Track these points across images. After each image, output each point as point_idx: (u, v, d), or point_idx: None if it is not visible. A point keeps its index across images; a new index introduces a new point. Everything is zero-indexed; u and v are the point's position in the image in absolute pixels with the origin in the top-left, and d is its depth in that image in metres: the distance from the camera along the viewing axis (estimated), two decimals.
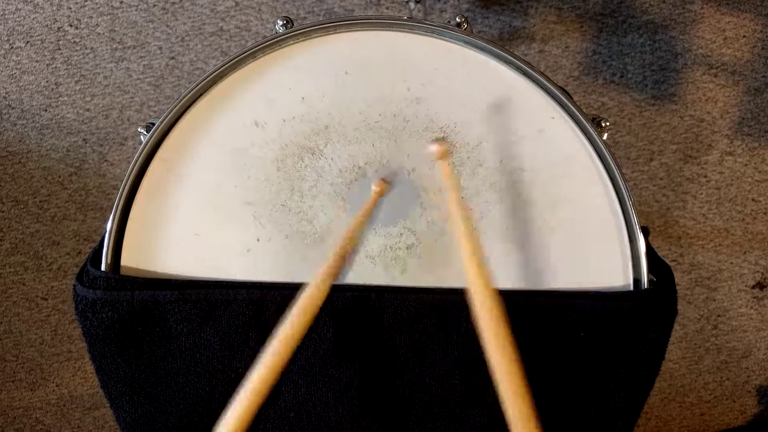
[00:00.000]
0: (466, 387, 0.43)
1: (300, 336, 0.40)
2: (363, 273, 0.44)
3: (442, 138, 0.44)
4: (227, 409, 0.38)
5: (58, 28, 0.91)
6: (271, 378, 0.39)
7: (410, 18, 0.45)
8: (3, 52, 0.92)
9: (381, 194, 0.44)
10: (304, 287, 0.41)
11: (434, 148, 0.42)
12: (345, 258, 0.43)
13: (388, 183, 0.44)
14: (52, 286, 1.01)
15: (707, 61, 0.93)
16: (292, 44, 0.45)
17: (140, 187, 0.44)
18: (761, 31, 0.92)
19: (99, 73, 0.93)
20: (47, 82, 0.93)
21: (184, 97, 0.44)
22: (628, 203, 0.44)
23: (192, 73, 0.93)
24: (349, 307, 0.42)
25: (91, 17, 0.91)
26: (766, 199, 0.98)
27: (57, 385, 1.06)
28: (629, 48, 0.92)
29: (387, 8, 0.91)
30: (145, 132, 0.44)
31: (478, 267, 0.39)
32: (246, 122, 0.45)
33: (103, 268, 0.43)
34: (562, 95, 0.45)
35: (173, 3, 0.91)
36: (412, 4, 0.75)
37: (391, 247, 0.45)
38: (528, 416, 0.36)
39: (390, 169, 0.45)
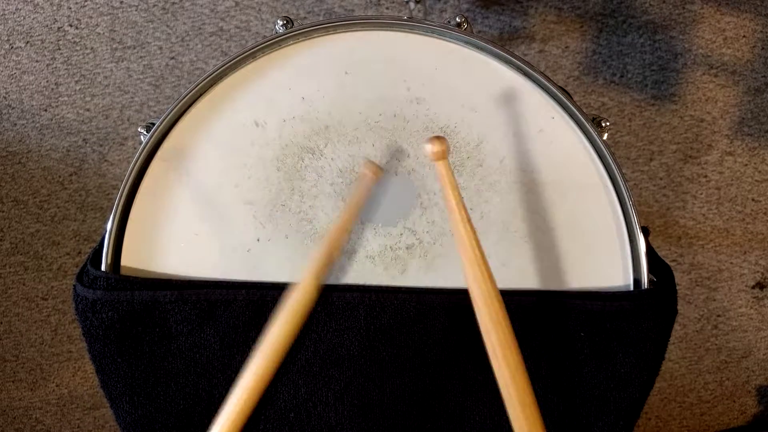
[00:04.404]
0: (466, 387, 0.43)
1: (290, 338, 0.40)
2: (363, 273, 0.44)
3: (440, 137, 0.39)
4: (220, 412, 0.39)
5: (58, 28, 0.91)
6: (263, 381, 0.39)
7: (410, 18, 0.45)
8: (3, 52, 0.92)
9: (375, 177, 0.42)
10: (294, 286, 0.40)
11: (429, 147, 0.38)
12: (336, 253, 0.41)
13: (377, 166, 0.43)
14: (52, 286, 1.01)
15: (707, 61, 0.93)
16: (292, 44, 0.45)
17: (140, 187, 0.44)
18: (761, 31, 0.92)
19: (99, 73, 0.93)
20: (47, 82, 0.93)
21: (184, 97, 0.44)
22: (628, 203, 0.44)
23: (192, 73, 0.93)
24: (349, 307, 0.42)
25: (91, 17, 0.91)
26: (766, 199, 0.98)
27: (57, 385, 1.06)
28: (629, 48, 0.92)
29: (387, 8, 0.91)
30: (145, 132, 0.44)
31: (480, 268, 0.38)
32: (246, 122, 0.45)
33: (103, 268, 0.43)
34: (562, 95, 0.44)
35: (173, 3, 0.91)
36: (412, 4, 0.74)
37: (391, 247, 0.44)
38: (534, 424, 0.36)
39: (390, 169, 0.45)
